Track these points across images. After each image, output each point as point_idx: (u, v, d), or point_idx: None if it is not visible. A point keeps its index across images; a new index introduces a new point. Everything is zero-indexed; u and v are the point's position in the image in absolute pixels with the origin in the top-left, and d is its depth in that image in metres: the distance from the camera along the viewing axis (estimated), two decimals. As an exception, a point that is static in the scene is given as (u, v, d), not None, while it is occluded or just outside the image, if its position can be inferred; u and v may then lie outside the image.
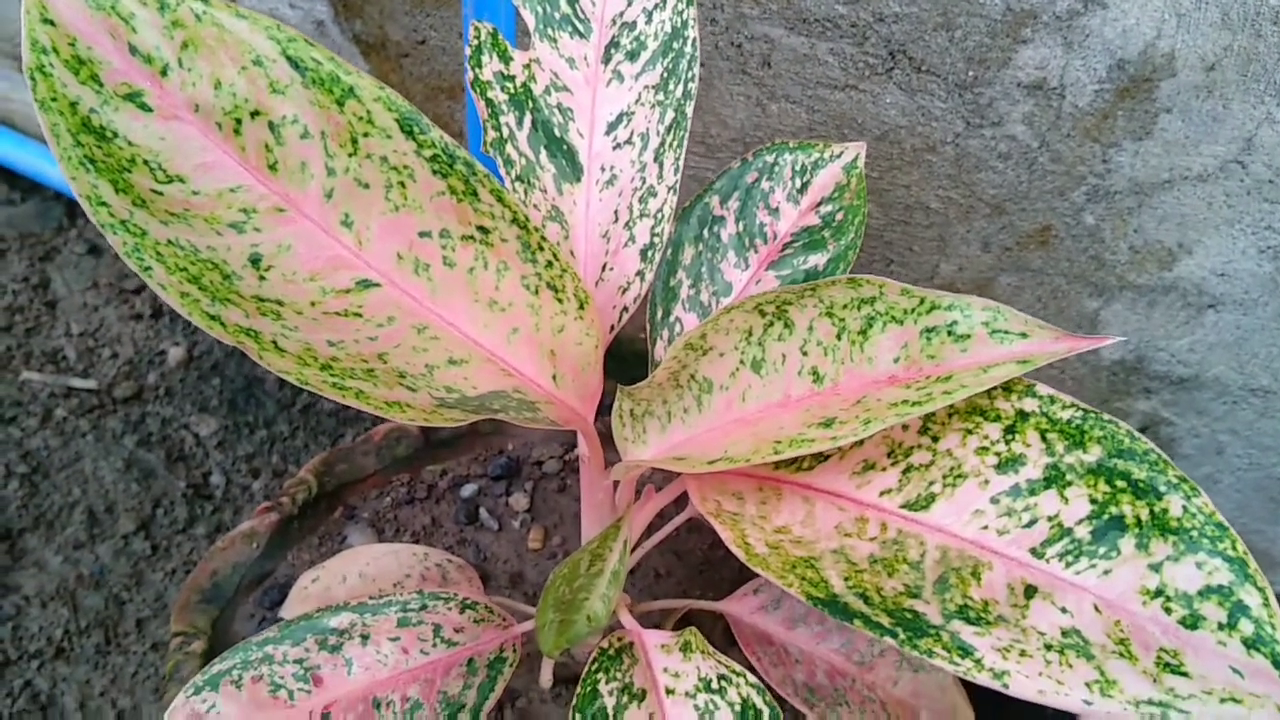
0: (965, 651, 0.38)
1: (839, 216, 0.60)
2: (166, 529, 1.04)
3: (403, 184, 0.46)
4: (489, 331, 0.50)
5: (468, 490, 0.80)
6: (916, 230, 0.88)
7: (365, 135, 0.46)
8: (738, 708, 0.47)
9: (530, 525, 0.79)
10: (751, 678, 0.48)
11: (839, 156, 0.61)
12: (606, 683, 0.50)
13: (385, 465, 0.79)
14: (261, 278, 0.44)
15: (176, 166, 0.44)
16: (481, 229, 0.48)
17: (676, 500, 0.80)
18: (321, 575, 0.60)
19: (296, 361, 0.43)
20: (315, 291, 0.46)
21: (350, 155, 0.46)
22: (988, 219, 0.85)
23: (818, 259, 0.60)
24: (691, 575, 0.78)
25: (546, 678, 0.69)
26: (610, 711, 0.49)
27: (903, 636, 0.38)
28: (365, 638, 0.51)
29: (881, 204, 0.87)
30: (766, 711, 0.47)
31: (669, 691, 0.49)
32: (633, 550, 0.68)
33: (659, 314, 0.60)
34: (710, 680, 0.49)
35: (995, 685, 0.37)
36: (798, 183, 0.61)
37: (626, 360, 0.87)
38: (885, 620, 0.39)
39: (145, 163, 0.43)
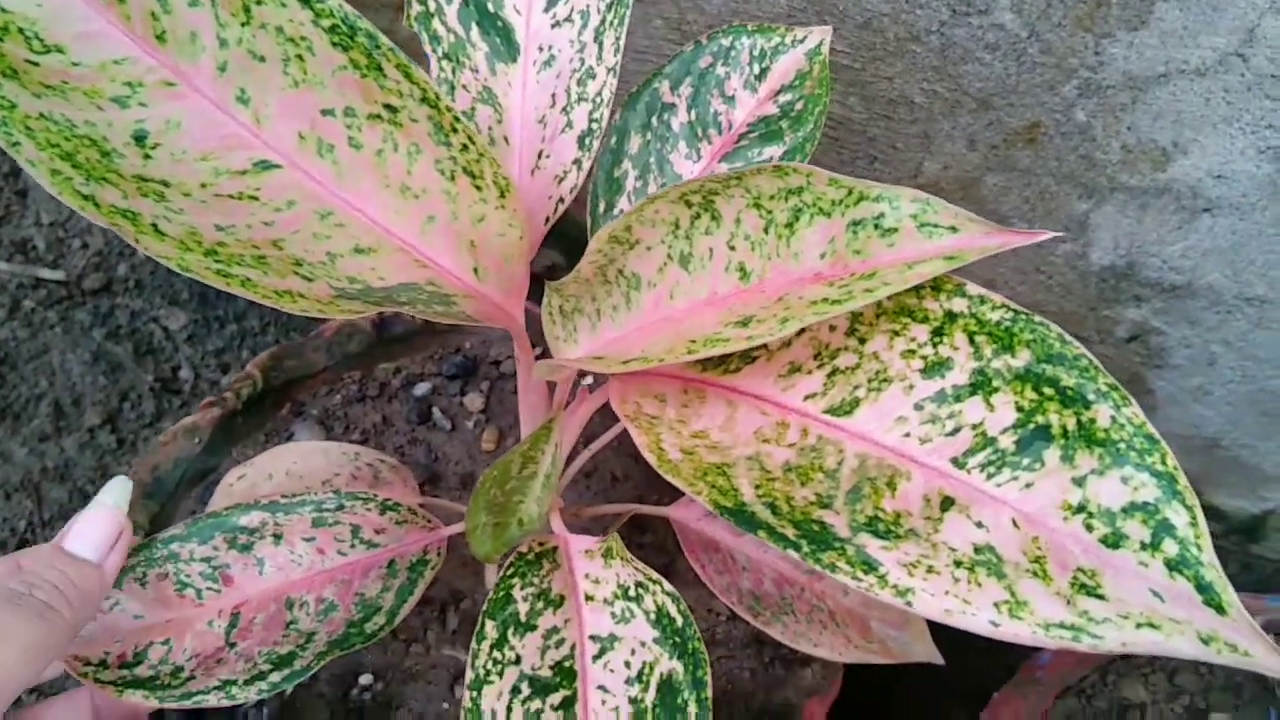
0: (870, 567, 0.35)
1: (798, 106, 0.56)
2: (133, 423, 1.02)
3: (301, 57, 0.43)
4: (401, 219, 0.47)
5: (421, 389, 0.78)
6: (900, 126, 0.84)
7: (258, 3, 0.42)
8: (652, 615, 0.45)
9: (484, 426, 0.77)
10: (667, 585, 0.46)
11: (802, 42, 0.57)
12: (522, 588, 0.48)
13: (336, 361, 0.77)
14: (146, 156, 0.41)
15: (54, 35, 0.40)
16: (389, 107, 0.45)
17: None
18: (248, 472, 0.58)
19: (178, 246, 0.40)
20: (207, 173, 0.43)
21: (243, 25, 0.42)
22: (974, 114, 0.81)
23: (774, 151, 0.56)
24: (650, 478, 0.76)
25: (491, 580, 0.67)
26: (523, 616, 0.47)
27: (806, 549, 0.36)
28: (278, 537, 0.49)
29: (863, 97, 0.83)
30: (680, 620, 0.45)
31: (588, 598, 0.47)
32: (584, 451, 0.66)
33: (601, 207, 0.57)
34: (628, 587, 0.47)
35: (898, 603, 0.34)
36: (756, 69, 0.57)
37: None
38: (790, 532, 0.37)
39: (20, 30, 0.40)
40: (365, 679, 0.63)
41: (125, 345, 1.07)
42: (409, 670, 0.64)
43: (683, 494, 0.66)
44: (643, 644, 0.45)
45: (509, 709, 0.44)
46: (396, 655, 0.64)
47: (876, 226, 0.39)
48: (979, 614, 0.34)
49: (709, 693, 0.43)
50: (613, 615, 0.46)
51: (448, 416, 0.77)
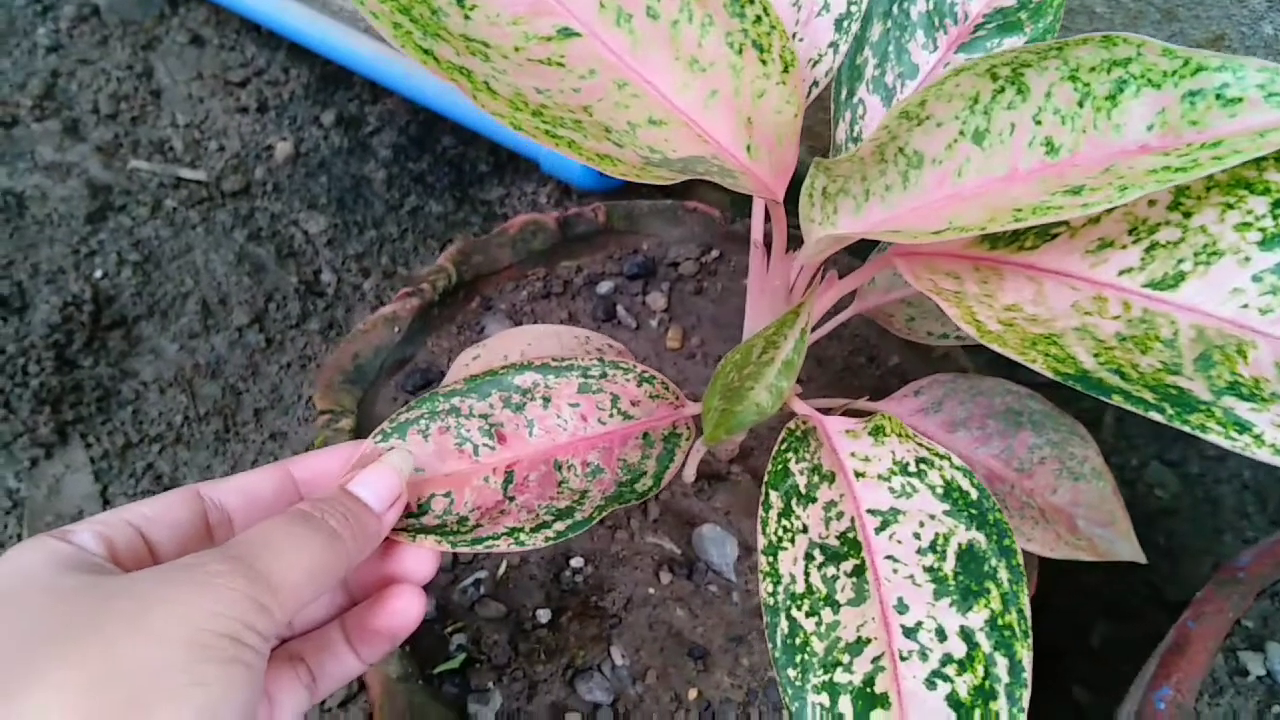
0: (1242, 427, 0.36)
1: (1036, -2, 0.56)
2: (280, 323, 1.03)
3: (609, -79, 0.43)
4: (686, 93, 0.47)
5: (604, 287, 0.78)
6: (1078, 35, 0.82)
7: None
8: (940, 490, 0.46)
9: (668, 325, 0.77)
10: (956, 460, 0.46)
11: (1038, -68, 0.56)
12: (796, 462, 0.49)
13: (521, 259, 0.77)
14: (467, 16, 0.42)
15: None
16: (692, -25, 0.44)
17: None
18: (483, 353, 0.58)
19: (509, 105, 0.40)
20: (518, 36, 0.43)
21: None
22: (1157, 26, 0.80)
23: (1013, 42, 0.56)
24: (832, 382, 0.76)
25: (690, 473, 0.68)
26: (803, 489, 0.47)
27: (1170, 412, 0.36)
28: (547, 400, 0.50)
29: (1042, 6, 0.81)
30: (975, 492, 0.45)
31: (859, 475, 0.48)
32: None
33: (843, 94, 0.57)
34: (907, 463, 0.47)
35: (1276, 461, 0.35)
36: (993, -41, 0.57)
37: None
38: (1148, 395, 0.37)
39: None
40: (576, 562, 0.64)
41: (267, 247, 1.08)
42: (616, 556, 0.65)
43: (874, 398, 0.67)
44: (931, 516, 0.45)
45: (806, 573, 0.44)
46: (603, 541, 0.65)
47: (1218, 97, 0.39)
48: (1366, 472, 0.34)
49: (1019, 559, 0.43)
50: (891, 490, 0.47)
51: (631, 314, 0.77)
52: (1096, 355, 0.39)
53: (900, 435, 0.48)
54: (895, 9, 0.57)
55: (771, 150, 0.50)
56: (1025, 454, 0.61)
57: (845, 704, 0.41)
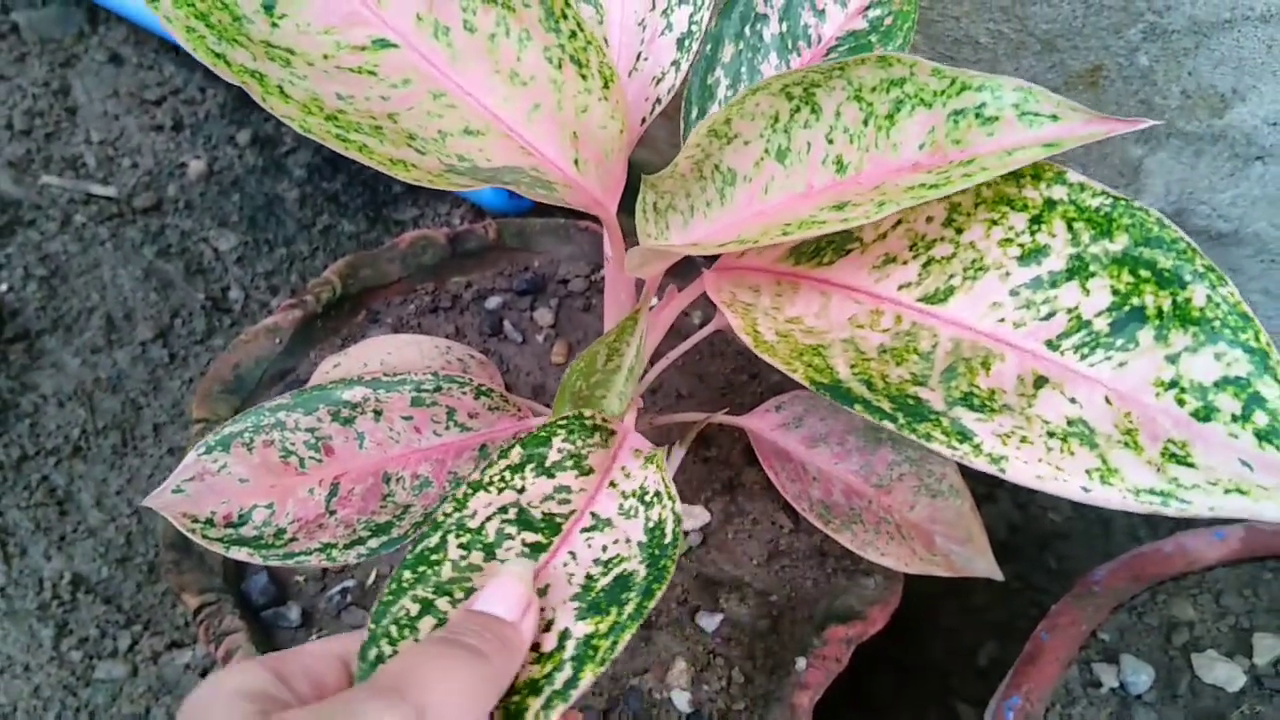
0: (964, 436, 0.37)
1: (888, 21, 0.57)
2: (184, 339, 1.04)
3: (421, -63, 0.45)
4: (509, 106, 0.48)
5: (492, 303, 0.80)
6: (963, 65, 0.84)
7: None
8: (651, 524, 0.45)
9: (554, 340, 0.79)
10: (678, 506, 0.45)
11: (891, -42, 0.58)
12: (563, 440, 0.48)
13: (410, 273, 0.79)
14: (274, 25, 0.43)
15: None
16: (504, -9, 0.46)
17: (700, 321, 0.79)
18: (344, 361, 0.60)
19: (301, 109, 0.41)
20: (329, 45, 0.44)
21: (367, -97, 0.44)
22: (1037, 56, 0.82)
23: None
24: (714, 397, 0.77)
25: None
26: (548, 462, 0.47)
27: (902, 421, 0.38)
28: (378, 413, 0.51)
29: (928, 36, 0.84)
30: (668, 538, 0.44)
31: (612, 484, 0.47)
32: (656, 361, 0.66)
33: (694, 113, 0.58)
34: (646, 492, 0.46)
35: (992, 470, 0.36)
36: (846, -17, 0.58)
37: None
38: (886, 405, 0.39)
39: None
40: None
41: (176, 264, 1.09)
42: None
43: (755, 407, 0.68)
44: (628, 540, 0.45)
45: (488, 518, 0.43)
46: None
47: (978, 115, 0.41)
48: (1070, 480, 0.36)
49: (652, 603, 0.41)
50: (620, 507, 0.46)
51: (518, 330, 0.79)
52: (853, 366, 0.41)
53: (658, 467, 0.48)
54: (748, 30, 0.58)
55: (600, 164, 0.51)
56: (884, 470, 0.62)
57: (427, 624, 0.40)
